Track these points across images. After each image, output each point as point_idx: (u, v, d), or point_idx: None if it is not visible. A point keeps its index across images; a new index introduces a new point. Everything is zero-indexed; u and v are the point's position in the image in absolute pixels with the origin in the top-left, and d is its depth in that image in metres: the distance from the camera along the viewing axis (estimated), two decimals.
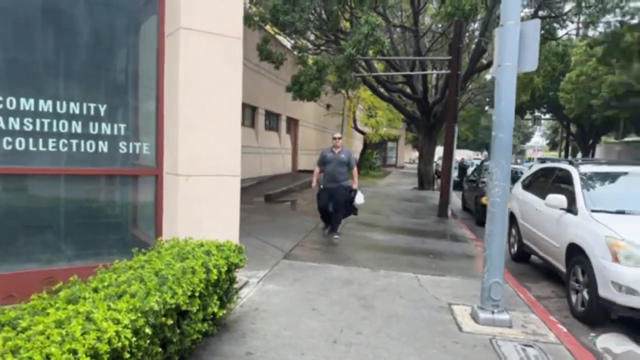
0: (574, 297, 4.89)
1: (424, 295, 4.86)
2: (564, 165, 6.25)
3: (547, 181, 6.56)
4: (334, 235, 7.69)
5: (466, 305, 4.60)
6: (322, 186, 7.53)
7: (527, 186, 7.20)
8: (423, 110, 16.69)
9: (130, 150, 4.34)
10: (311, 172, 21.50)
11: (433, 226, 9.72)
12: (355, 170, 7.86)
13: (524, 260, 7.10)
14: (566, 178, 5.87)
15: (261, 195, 12.98)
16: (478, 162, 28.49)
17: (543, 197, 5.96)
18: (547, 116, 49.41)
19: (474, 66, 14.62)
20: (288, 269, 5.60)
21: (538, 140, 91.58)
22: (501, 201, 4.15)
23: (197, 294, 2.69)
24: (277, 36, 17.00)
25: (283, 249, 6.63)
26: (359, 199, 7.69)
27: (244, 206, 11.40)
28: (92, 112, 4.11)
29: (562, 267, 5.28)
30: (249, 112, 16.67)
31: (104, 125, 4.18)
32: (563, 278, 5.33)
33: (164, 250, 3.22)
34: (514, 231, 7.20)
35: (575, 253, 4.88)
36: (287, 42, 17.40)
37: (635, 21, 12.40)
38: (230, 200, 4.45)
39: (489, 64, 15.53)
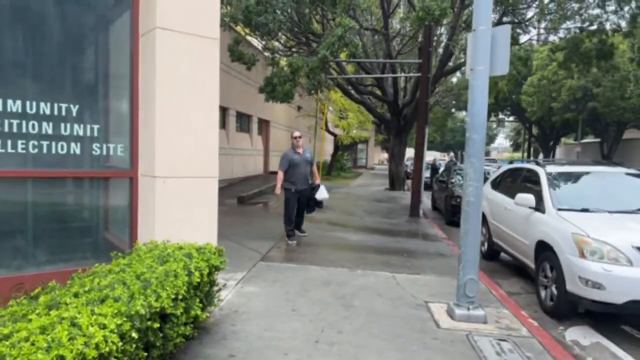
0: (543, 293, 5.08)
1: (401, 294, 4.95)
2: (531, 166, 6.48)
3: (516, 181, 6.79)
4: (304, 234, 7.81)
5: (442, 302, 4.71)
6: (293, 190, 7.22)
7: (496, 186, 7.41)
8: (394, 112, 16.95)
9: (104, 152, 4.23)
10: None
11: (406, 226, 9.89)
12: (314, 166, 7.72)
13: (494, 258, 7.31)
14: (534, 178, 6.09)
15: (234, 197, 12.87)
16: (443, 162, 29.25)
17: (512, 196, 6.16)
18: (511, 118, 51.11)
19: (443, 69, 14.97)
20: (266, 270, 5.58)
21: (502, 142, 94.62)
22: (475, 200, 4.28)
23: (180, 297, 2.66)
24: (248, 37, 16.93)
25: (260, 251, 6.60)
26: (323, 193, 7.54)
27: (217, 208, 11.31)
28: (63, 113, 3.98)
29: (531, 264, 5.47)
30: (220, 113, 16.47)
31: (75, 126, 4.06)
32: (532, 274, 5.54)
33: (144, 254, 3.17)
34: (484, 230, 7.39)
35: (544, 250, 5.08)
36: (258, 44, 17.34)
37: (593, 28, 13.02)
38: (209, 202, 4.40)
39: (457, 67, 15.98)
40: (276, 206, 12.29)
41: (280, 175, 7.32)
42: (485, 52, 4.24)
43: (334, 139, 27.84)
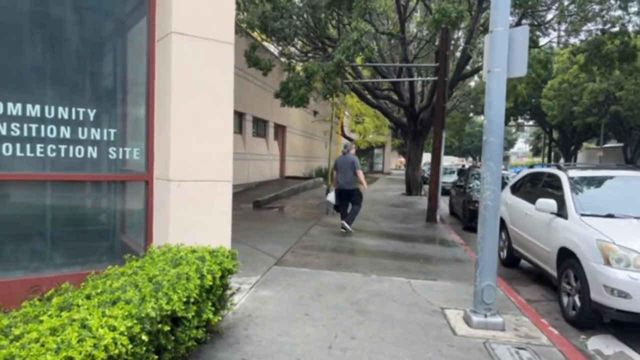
0: (565, 301, 4.92)
1: (417, 300, 4.87)
2: (552, 170, 6.30)
3: (536, 186, 6.61)
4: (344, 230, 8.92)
5: (458, 309, 4.61)
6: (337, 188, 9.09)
7: (516, 191, 7.26)
8: (410, 116, 16.84)
9: (120, 156, 4.28)
10: (299, 178, 21.53)
11: (422, 231, 9.77)
12: (358, 171, 8.83)
13: (514, 265, 7.13)
14: (555, 183, 5.92)
15: (249, 202, 12.91)
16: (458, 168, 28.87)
17: (532, 201, 5.99)
18: (530, 123, 50.31)
19: (460, 73, 14.82)
20: (280, 275, 5.56)
21: (522, 146, 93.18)
22: (493, 205, 4.18)
23: (192, 300, 2.64)
24: (265, 43, 17.06)
25: (274, 255, 6.59)
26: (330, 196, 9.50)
27: (232, 213, 11.35)
28: (81, 117, 4.04)
29: (553, 272, 5.30)
30: (236, 118, 16.62)
31: (93, 130, 4.11)
32: (554, 282, 5.36)
33: (157, 257, 3.17)
34: (503, 236, 7.21)
35: (567, 257, 4.91)
36: (274, 49, 17.46)
37: (615, 29, 12.73)
38: (222, 205, 4.41)
39: (475, 71, 15.80)
40: (292, 211, 12.30)
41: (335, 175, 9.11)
42: (503, 54, 4.16)
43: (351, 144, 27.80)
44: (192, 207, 4.22)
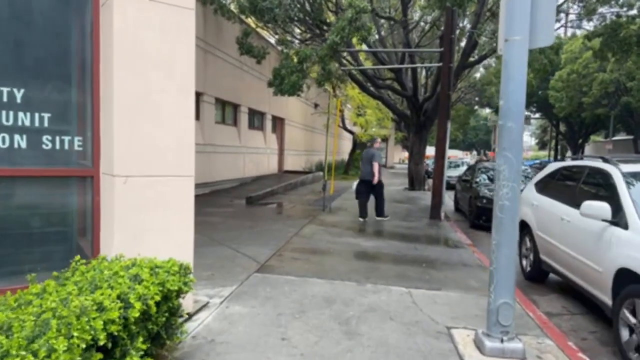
0: (624, 336, 3.70)
1: (418, 317, 4.11)
2: (596, 164, 5.02)
3: (574, 184, 5.40)
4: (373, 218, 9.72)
5: (468, 328, 3.86)
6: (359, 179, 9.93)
7: (544, 189, 6.00)
8: (413, 107, 16.01)
9: (57, 146, 3.52)
10: (298, 172, 20.78)
11: (425, 230, 8.99)
12: (374, 163, 9.40)
13: (540, 280, 5.93)
14: (603, 180, 4.71)
15: (242, 198, 12.18)
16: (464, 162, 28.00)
17: (571, 203, 4.99)
18: (537, 115, 49.25)
19: (465, 61, 13.96)
20: (260, 284, 4.81)
21: (527, 139, 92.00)
22: (511, 205, 3.40)
23: (101, 342, 1.90)
24: (262, 31, 16.24)
25: (258, 259, 5.84)
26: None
27: (221, 210, 10.63)
28: (4, 98, 3.29)
29: (606, 298, 4.06)
30: (231, 110, 15.85)
31: (21, 114, 3.36)
32: (606, 312, 4.10)
33: (77, 276, 2.42)
34: (527, 243, 6.06)
35: (629, 281, 3.69)
36: (270, 37, 16.65)
37: (632, 12, 11.84)
38: (182, 206, 3.65)
39: (481, 59, 14.95)
40: (287, 207, 11.55)
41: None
42: (524, 18, 3.36)
43: (352, 137, 26.95)
44: (143, 208, 3.47)
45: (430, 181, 21.88)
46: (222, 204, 11.23)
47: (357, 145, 27.36)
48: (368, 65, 18.67)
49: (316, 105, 24.46)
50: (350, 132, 26.90)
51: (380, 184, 9.59)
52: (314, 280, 5.02)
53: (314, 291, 4.65)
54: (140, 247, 3.38)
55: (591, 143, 46.81)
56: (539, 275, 5.91)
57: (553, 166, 6.29)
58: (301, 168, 23.47)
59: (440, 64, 10.41)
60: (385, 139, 39.96)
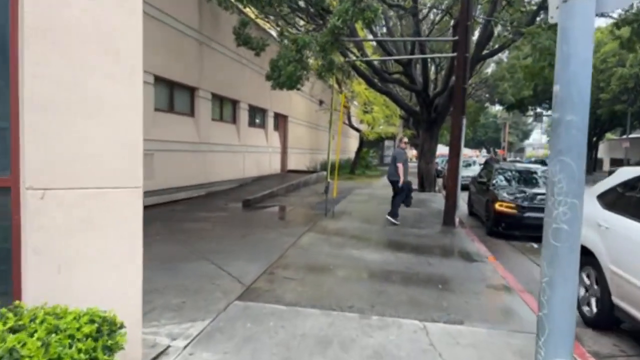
0: None
1: None
2: None
3: None
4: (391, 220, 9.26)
5: None
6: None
7: (615, 204, 4.54)
8: (423, 103, 15.02)
9: None
10: (302, 172, 19.91)
11: (438, 239, 8.05)
12: (399, 164, 9.17)
13: (608, 328, 4.38)
14: None
15: (239, 200, 11.32)
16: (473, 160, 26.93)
17: None
18: (549, 112, 47.91)
19: (480, 53, 12.95)
20: (240, 318, 3.91)
21: (537, 137, 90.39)
22: (571, 230, 2.46)
23: None
24: (263, 23, 15.35)
25: (243, 279, 4.95)
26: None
27: (213, 215, 9.70)
28: None
29: None
30: (229, 107, 14.98)
31: None
32: None
33: None
34: (591, 280, 4.55)
35: None
36: (274, 31, 15.74)
37: None
38: (125, 227, 2.76)
39: (498, 50, 13.96)
40: (287, 211, 10.67)
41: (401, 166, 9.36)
42: None
43: (359, 135, 25.99)
44: (70, 232, 2.58)
45: (440, 181, 20.90)
46: (215, 208, 10.37)
47: (363, 143, 26.41)
48: (376, 58, 17.67)
49: (321, 102, 23.54)
50: (357, 129, 25.96)
51: (405, 186, 9.34)
52: (308, 311, 4.11)
53: (305, 327, 3.75)
54: (69, 285, 2.52)
55: (605, 141, 45.39)
56: (607, 323, 4.38)
57: (628, 172, 4.69)
58: (305, 167, 22.57)
59: (455, 54, 9.43)
60: (393, 137, 38.98)
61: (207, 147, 12.83)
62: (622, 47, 11.90)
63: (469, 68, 9.10)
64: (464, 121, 9.17)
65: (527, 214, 8.55)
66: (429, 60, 15.73)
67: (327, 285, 4.98)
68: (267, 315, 3.96)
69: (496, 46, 14.89)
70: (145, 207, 8.47)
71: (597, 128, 40.08)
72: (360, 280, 5.27)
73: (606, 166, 45.71)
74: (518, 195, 9.07)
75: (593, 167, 41.98)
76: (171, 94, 11.38)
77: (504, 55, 31.39)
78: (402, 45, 15.35)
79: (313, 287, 4.86)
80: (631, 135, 36.03)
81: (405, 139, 10.02)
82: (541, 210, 8.27)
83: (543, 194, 9.10)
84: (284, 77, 8.42)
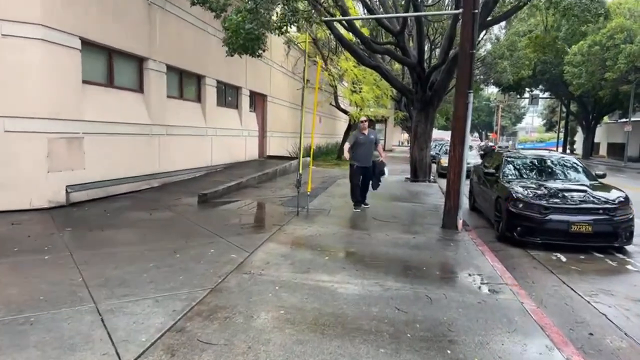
0: None
1: None
2: None
3: None
4: (367, 205, 9.00)
5: None
6: (355, 166, 8.55)
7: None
8: (418, 79, 12.99)
9: None
10: (284, 157, 17.93)
11: (439, 251, 6.13)
12: (379, 145, 8.96)
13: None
14: None
15: (196, 194, 9.32)
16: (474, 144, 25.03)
17: None
18: (546, 95, 46.02)
19: (486, 17, 10.92)
20: None
21: (529, 121, 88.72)
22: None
23: None
24: None
25: (126, 350, 3.00)
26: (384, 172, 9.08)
27: (152, 216, 6.99)
28: None
29: None
30: (193, 82, 12.84)
31: None
32: None
33: None
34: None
35: None
36: None
37: None
38: None
39: (512, 11, 11.91)
40: (249, 209, 8.65)
41: (347, 146, 8.71)
42: None
43: (347, 117, 23.93)
44: None
45: (434, 167, 18.99)
46: (162, 205, 8.37)
47: (352, 126, 24.39)
48: (365, 32, 15.53)
49: (307, 81, 21.39)
50: (345, 111, 23.90)
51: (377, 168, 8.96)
52: None
53: None
54: None
55: (603, 124, 43.63)
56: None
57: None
58: (287, 153, 20.55)
59: (459, 10, 7.40)
60: (384, 120, 36.94)
61: (161, 130, 10.76)
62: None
63: (477, 28, 7.06)
64: (471, 99, 7.19)
65: (550, 216, 6.68)
66: (425, 28, 13.62)
67: (266, 349, 3.04)
68: None
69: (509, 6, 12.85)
70: (72, 205, 6.16)
71: (595, 110, 38.33)
72: (322, 343, 3.33)
73: (603, 151, 44.09)
74: (538, 191, 7.16)
75: (590, 151, 40.35)
76: (110, 64, 9.24)
77: (501, 32, 29.31)
78: (393, 9, 13.24)
79: (243, 355, 2.92)
80: (633, 119, 34.24)
81: (364, 118, 8.83)
82: (568, 211, 6.46)
83: (569, 190, 7.20)
84: (241, 36, 6.35)
